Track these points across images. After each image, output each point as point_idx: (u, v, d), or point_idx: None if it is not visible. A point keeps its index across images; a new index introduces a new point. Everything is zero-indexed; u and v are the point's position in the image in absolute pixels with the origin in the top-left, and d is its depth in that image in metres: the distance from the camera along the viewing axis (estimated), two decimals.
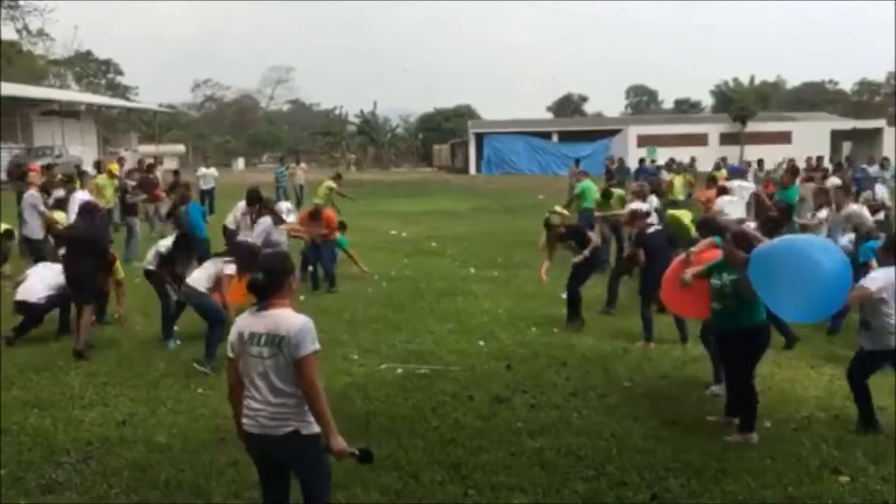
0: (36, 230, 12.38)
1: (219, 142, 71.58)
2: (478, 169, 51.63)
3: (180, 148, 56.20)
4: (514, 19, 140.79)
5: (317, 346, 3.92)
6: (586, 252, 10.06)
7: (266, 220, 11.29)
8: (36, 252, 12.05)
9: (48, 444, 6.17)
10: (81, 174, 16.15)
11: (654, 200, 13.25)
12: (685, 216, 10.86)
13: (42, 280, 9.35)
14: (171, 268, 9.30)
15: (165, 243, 9.58)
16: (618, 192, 14.80)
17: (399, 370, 8.13)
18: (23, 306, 9.23)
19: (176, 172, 22.45)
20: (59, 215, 12.65)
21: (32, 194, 12.68)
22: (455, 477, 5.50)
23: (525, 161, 51.17)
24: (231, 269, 8.38)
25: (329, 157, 66.56)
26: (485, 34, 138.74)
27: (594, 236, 10.63)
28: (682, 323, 8.97)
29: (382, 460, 5.72)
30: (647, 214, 10.63)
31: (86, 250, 8.95)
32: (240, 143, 73.95)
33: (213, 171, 23.66)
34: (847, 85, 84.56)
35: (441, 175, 49.96)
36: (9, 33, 42.39)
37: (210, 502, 5.21)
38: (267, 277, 4.03)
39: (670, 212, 11.80)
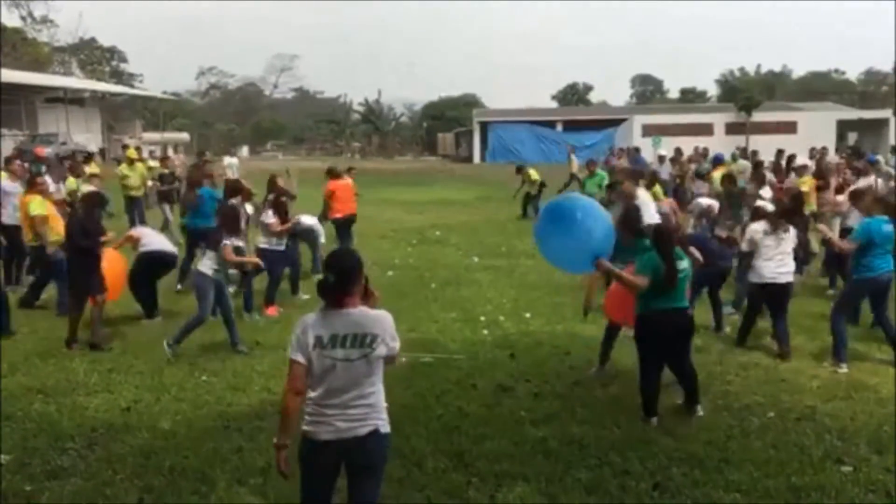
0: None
1: (223, 130, 71.58)
2: (482, 158, 51.64)
3: (185, 136, 56.20)
4: (519, 8, 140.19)
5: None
6: None
7: None
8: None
9: (53, 431, 6.19)
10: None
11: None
12: None
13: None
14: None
15: None
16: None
17: (403, 358, 8.09)
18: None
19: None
20: None
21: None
22: (458, 465, 5.51)
23: (529, 150, 51.06)
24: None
25: (333, 146, 66.68)
26: (490, 23, 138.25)
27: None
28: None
29: None
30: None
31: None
32: (244, 130, 73.92)
33: (235, 159, 24.26)
34: (853, 74, 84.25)
35: (445, 164, 49.91)
36: (13, 20, 42.48)
37: (214, 489, 5.22)
38: (337, 277, 3.78)
39: None
